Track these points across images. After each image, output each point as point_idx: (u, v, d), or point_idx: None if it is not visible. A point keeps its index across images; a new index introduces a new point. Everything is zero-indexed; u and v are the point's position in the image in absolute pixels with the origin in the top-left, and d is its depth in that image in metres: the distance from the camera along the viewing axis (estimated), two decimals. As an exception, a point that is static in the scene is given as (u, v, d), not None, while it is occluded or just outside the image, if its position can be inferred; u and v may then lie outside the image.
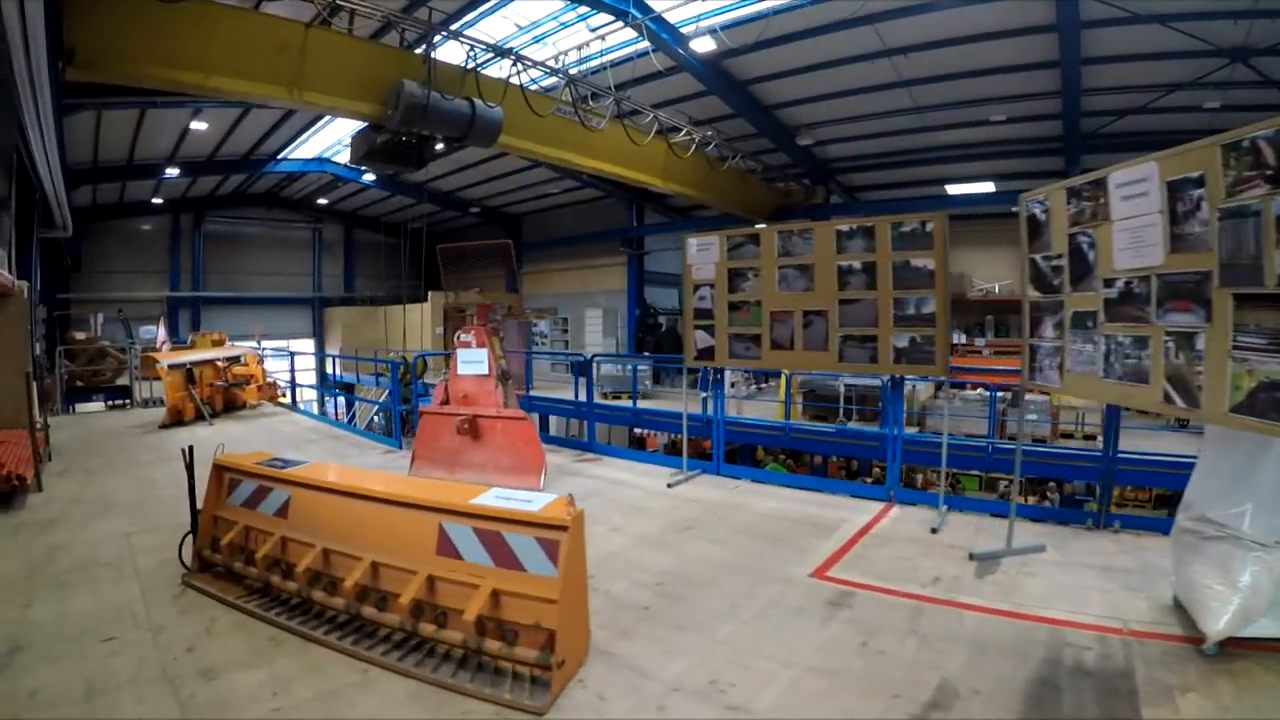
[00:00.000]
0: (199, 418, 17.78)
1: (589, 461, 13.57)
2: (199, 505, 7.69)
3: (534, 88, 16.66)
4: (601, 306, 32.73)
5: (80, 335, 28.38)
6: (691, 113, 21.06)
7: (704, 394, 18.32)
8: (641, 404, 19.95)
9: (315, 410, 27.49)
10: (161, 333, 19.12)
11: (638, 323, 32.38)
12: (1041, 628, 6.03)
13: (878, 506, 10.03)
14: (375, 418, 31.48)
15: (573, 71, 17.46)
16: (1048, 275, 7.48)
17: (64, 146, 16.93)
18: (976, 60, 17.80)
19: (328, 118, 25.85)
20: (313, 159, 31.52)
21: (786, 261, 10.50)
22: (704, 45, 18.00)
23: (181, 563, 7.55)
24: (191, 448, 7.74)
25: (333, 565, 6.32)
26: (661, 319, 33.11)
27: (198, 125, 25.00)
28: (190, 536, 7.65)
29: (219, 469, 7.72)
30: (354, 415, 30.18)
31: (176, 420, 17.39)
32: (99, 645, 5.90)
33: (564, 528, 5.10)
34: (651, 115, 19.36)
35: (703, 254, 11.42)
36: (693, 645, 5.80)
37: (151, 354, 19.18)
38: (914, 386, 18.03)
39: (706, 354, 11.64)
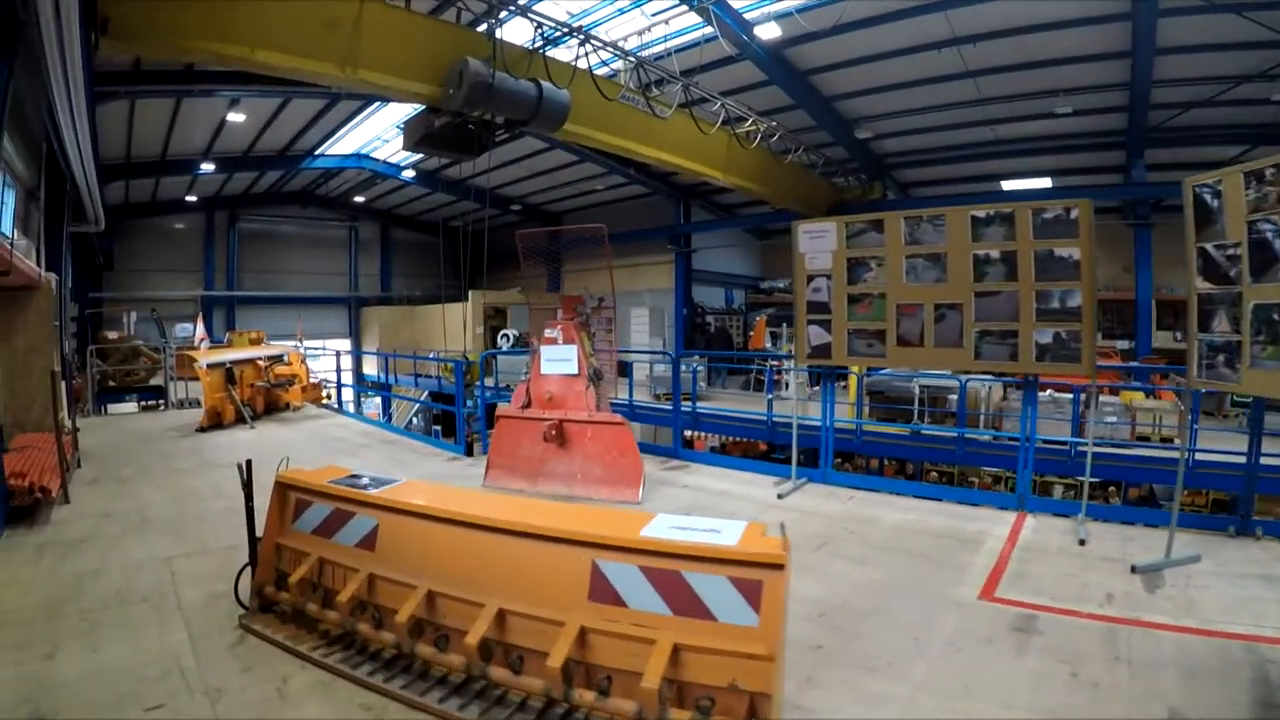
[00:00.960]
0: (239, 420, 16.41)
1: (677, 469, 12.04)
2: (258, 531, 6.35)
3: (598, 73, 15.47)
4: (647, 305, 31.30)
5: (112, 334, 27.12)
6: (751, 103, 20.02)
7: (769, 395, 17.90)
8: (699, 405, 19.01)
9: (353, 410, 25.98)
10: (199, 330, 17.71)
11: (686, 322, 30.90)
12: (1234, 645, 5.49)
13: (1010, 516, 9.10)
14: (414, 419, 30.27)
15: (611, 68, 16.49)
16: (1221, 265, 6.83)
17: (96, 133, 15.72)
18: (1045, 50, 17.08)
19: (367, 112, 25.11)
20: (350, 155, 30.33)
21: (916, 250, 9.53)
22: (769, 32, 17.19)
23: (238, 600, 6.13)
24: (249, 462, 6.38)
25: (442, 612, 4.92)
26: (709, 318, 31.99)
27: (235, 117, 23.79)
28: (249, 569, 6.24)
29: (283, 487, 6.38)
30: (391, 415, 28.83)
31: (215, 423, 16.04)
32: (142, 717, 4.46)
33: (775, 565, 3.97)
34: (719, 103, 18.23)
35: (816, 242, 10.32)
36: (892, 692, 4.87)
37: (189, 353, 17.75)
38: (989, 389, 17.37)
39: (822, 351, 10.48)
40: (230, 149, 27.79)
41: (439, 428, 30.53)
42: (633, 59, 16.07)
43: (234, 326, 33.78)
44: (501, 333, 28.27)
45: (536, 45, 13.75)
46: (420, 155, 28.92)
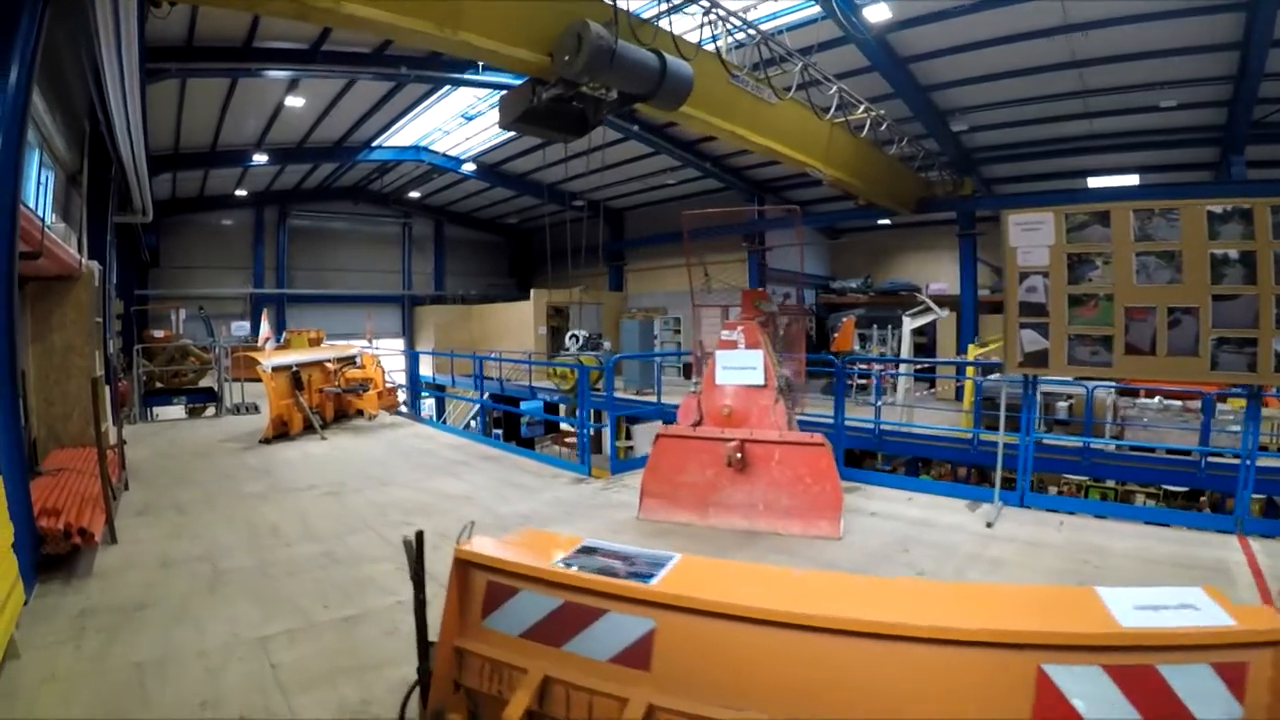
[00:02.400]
0: (308, 429, 14.16)
1: (850, 492, 9.67)
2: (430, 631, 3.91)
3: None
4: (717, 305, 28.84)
5: (159, 333, 24.95)
6: (850, 90, 17.93)
7: (878, 401, 16.69)
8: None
9: (431, 416, 23.62)
10: (265, 328, 15.31)
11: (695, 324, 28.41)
12: None
13: (1231, 540, 7.84)
14: (473, 421, 28.22)
15: (741, 36, 14.72)
16: None
17: (146, 113, 13.83)
18: (1155, 40, 15.79)
19: (428, 102, 23.40)
20: (409, 147, 28.21)
21: (1147, 247, 8.37)
22: (878, 14, 15.93)
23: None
24: (420, 536, 4.00)
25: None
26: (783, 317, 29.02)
27: (293, 101, 21.66)
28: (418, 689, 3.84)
29: (468, 566, 3.88)
30: (446, 417, 26.67)
31: (281, 433, 13.80)
32: None
33: (1268, 643, 2.63)
34: (834, 88, 16.49)
35: (1030, 234, 8.92)
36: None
37: (252, 353, 15.33)
38: (1111, 396, 15.73)
39: (1037, 359, 9.05)
40: (284, 140, 25.77)
41: (500, 431, 28.36)
42: (757, 32, 14.39)
43: (284, 325, 31.70)
44: (570, 333, 25.87)
45: (658, 9, 11.89)
46: (482, 147, 26.99)
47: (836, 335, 24.88)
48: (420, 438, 14.47)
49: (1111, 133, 20.60)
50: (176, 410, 20.01)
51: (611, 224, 34.40)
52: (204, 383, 21.89)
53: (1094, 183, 22.87)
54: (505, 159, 28.75)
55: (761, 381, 8.75)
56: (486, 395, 25.01)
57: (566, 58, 10.19)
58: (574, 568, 3.56)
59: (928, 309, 21.62)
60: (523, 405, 26.17)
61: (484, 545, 3.91)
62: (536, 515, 8.99)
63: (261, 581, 6.62)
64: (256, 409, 17.68)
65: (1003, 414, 9.56)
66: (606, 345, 25.74)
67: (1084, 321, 8.69)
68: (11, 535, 5.48)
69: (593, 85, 10.63)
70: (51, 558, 6.74)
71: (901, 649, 2.89)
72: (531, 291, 30.85)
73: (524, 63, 10.73)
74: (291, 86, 20.63)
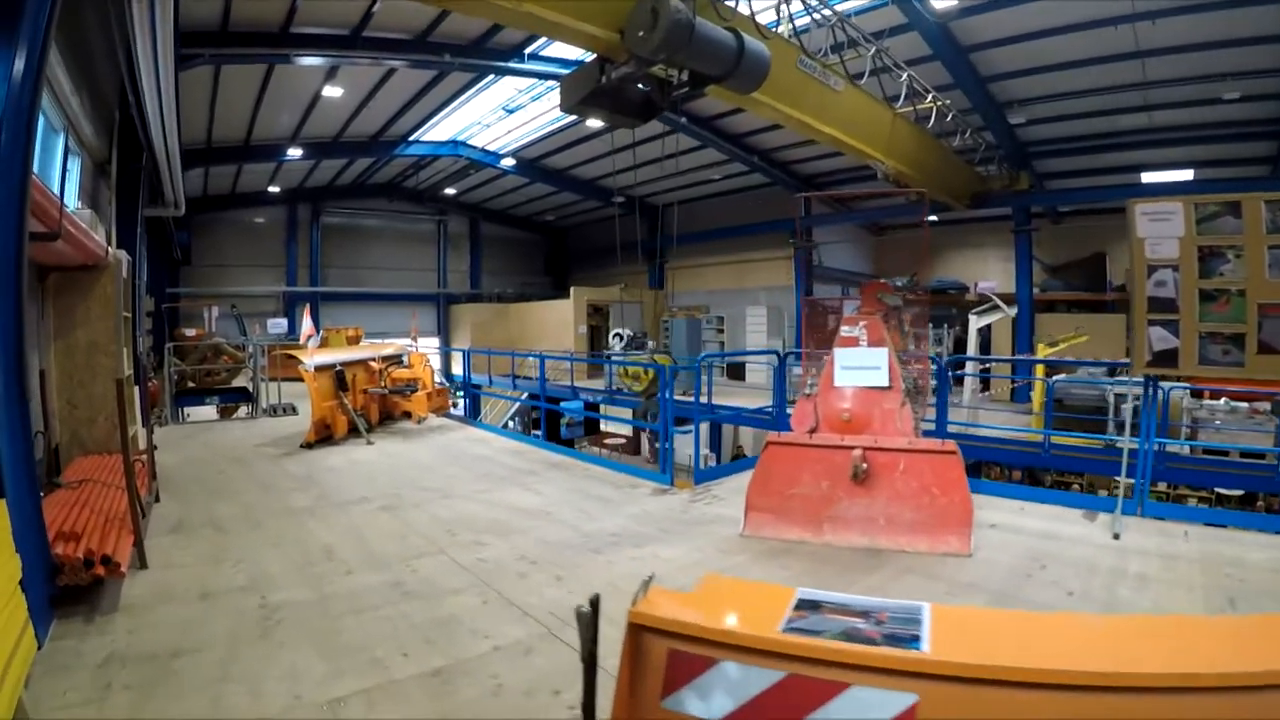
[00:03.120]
0: (352, 432, 12.96)
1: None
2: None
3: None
4: (764, 304, 27.73)
5: (190, 332, 23.95)
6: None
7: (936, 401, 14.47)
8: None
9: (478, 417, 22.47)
10: (307, 324, 14.05)
11: (807, 321, 27.13)
12: None
13: None
14: (511, 421, 27.16)
15: (801, 21, 13.50)
16: None
17: (179, 99, 12.84)
18: (1222, 30, 14.98)
19: (467, 95, 22.23)
20: (445, 142, 27.04)
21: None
22: (943, 0, 15.01)
23: None
24: (595, 602, 2.51)
25: None
26: (831, 318, 27.72)
27: (331, 92, 20.46)
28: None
29: (641, 631, 2.69)
30: (483, 416, 25.58)
31: (324, 437, 12.63)
32: None
33: None
34: (904, 76, 15.78)
35: (1158, 225, 8.19)
36: None
37: (293, 351, 14.16)
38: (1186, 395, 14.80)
39: (1166, 359, 8.27)
40: (320, 134, 24.65)
41: (539, 432, 27.25)
42: (833, 14, 13.64)
43: (317, 324, 30.35)
44: (613, 332, 24.66)
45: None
46: (521, 141, 25.83)
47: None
48: (474, 442, 13.31)
49: (1169, 126, 19.73)
50: (208, 410, 19.00)
51: (652, 221, 33.16)
52: (237, 382, 20.87)
53: (1148, 178, 21.94)
54: (544, 154, 27.65)
55: (886, 383, 7.80)
56: (525, 395, 23.97)
57: (640, 34, 9.32)
58: (797, 628, 2.36)
59: (995, 307, 20.45)
60: (563, 405, 25.13)
61: (664, 604, 2.74)
62: (628, 533, 7.90)
63: (322, 621, 5.46)
64: (294, 410, 16.56)
65: (1128, 419, 8.92)
66: (651, 345, 24.50)
67: (1216, 318, 7.96)
68: (19, 570, 4.39)
69: (665, 65, 9.89)
70: (70, 589, 5.57)
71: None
72: (571, 290, 29.79)
73: (592, 38, 9.83)
74: (329, 76, 19.51)
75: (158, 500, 8.87)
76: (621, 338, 24.14)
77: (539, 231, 39.47)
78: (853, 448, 7.49)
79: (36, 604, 4.65)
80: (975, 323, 20.55)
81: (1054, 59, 16.93)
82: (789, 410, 12.77)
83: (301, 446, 12.28)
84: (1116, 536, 7.54)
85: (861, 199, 28.21)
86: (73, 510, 6.59)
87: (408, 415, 14.86)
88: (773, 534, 7.60)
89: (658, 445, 25.76)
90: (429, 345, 32.35)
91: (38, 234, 6.09)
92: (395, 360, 14.60)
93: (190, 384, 20.65)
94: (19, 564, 4.34)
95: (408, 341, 18.02)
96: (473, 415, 25.58)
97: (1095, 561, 6.81)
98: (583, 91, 10.34)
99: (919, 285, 28.12)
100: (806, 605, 2.85)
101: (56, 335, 9.44)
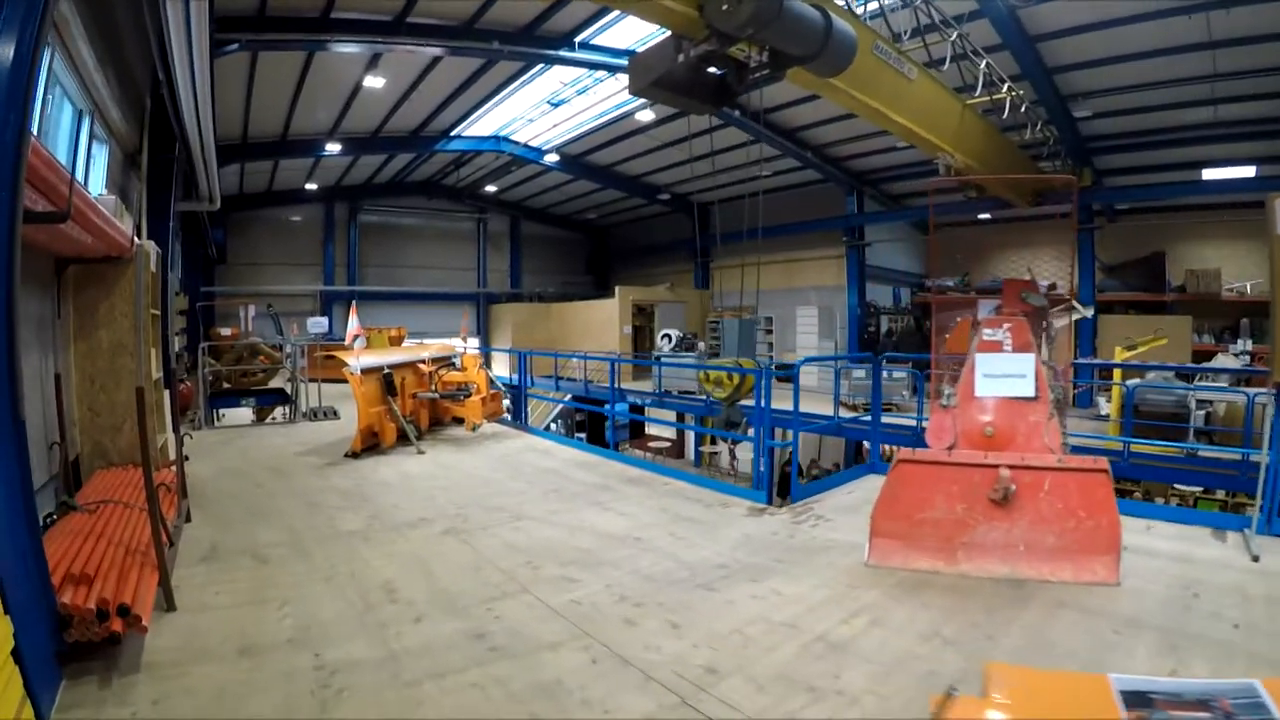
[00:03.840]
0: (401, 440, 11.74)
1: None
2: None
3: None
4: (814, 304, 26.44)
5: (226, 331, 22.88)
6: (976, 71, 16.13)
7: None
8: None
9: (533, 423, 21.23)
10: (354, 323, 12.81)
11: (859, 322, 26.44)
12: None
13: None
14: (553, 423, 26.11)
15: (874, 4, 13.05)
16: None
17: (214, 86, 11.86)
18: None
19: (511, 88, 21.03)
20: (488, 137, 25.81)
21: None
22: None
23: None
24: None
25: None
26: (883, 318, 27.42)
27: (372, 82, 19.26)
28: None
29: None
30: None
31: (370, 445, 11.40)
32: None
33: None
34: (984, 63, 14.73)
35: None
36: None
37: (336, 352, 12.93)
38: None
39: None
40: (359, 128, 23.56)
41: (583, 435, 26.20)
42: None
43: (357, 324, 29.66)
44: (662, 333, 23.59)
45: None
46: (566, 137, 24.71)
47: (949, 336, 22.18)
48: (536, 452, 12.05)
49: (1233, 121, 18.50)
50: (244, 413, 17.92)
51: (696, 218, 31.77)
52: (274, 383, 19.79)
53: (1208, 174, 20.80)
54: (588, 150, 26.45)
55: (1032, 393, 6.86)
56: (569, 396, 22.82)
57: (725, 7, 8.42)
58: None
59: (1071, 307, 19.05)
60: (607, 408, 24.03)
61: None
62: (736, 564, 6.70)
63: (394, 690, 4.29)
64: (335, 414, 15.42)
65: (1266, 431, 7.74)
66: (701, 346, 23.34)
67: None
68: (11, 637, 3.34)
69: (748, 43, 9.04)
70: (82, 644, 4.42)
71: None
72: (616, 289, 28.49)
73: (669, 12, 8.92)
74: (371, 65, 18.35)
75: (188, 520, 7.73)
76: (670, 338, 23.07)
77: (579, 230, 38.31)
78: (997, 466, 6.49)
79: (38, 666, 3.67)
80: (1053, 324, 19.13)
81: (1122, 50, 15.96)
82: (883, 419, 11.58)
83: (346, 456, 11.12)
84: (1256, 559, 6.69)
85: (908, 198, 27.17)
86: (86, 542, 5.42)
87: (458, 421, 13.67)
88: (900, 563, 6.61)
89: (708, 451, 24.85)
90: (470, 345, 31.29)
91: (42, 213, 4.90)
92: (446, 362, 13.39)
93: (226, 385, 19.58)
94: (10, 629, 3.30)
95: (453, 341, 16.75)
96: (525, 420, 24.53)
97: (1246, 588, 6.01)
98: (655, 73, 9.36)
99: (970, 285, 26.96)
100: (1136, 701, 2.62)
101: (78, 335, 8.31)
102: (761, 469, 9.44)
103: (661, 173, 28.23)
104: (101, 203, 7.92)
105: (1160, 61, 16.06)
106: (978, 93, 14.94)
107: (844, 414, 17.15)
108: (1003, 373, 6.87)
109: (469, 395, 12.77)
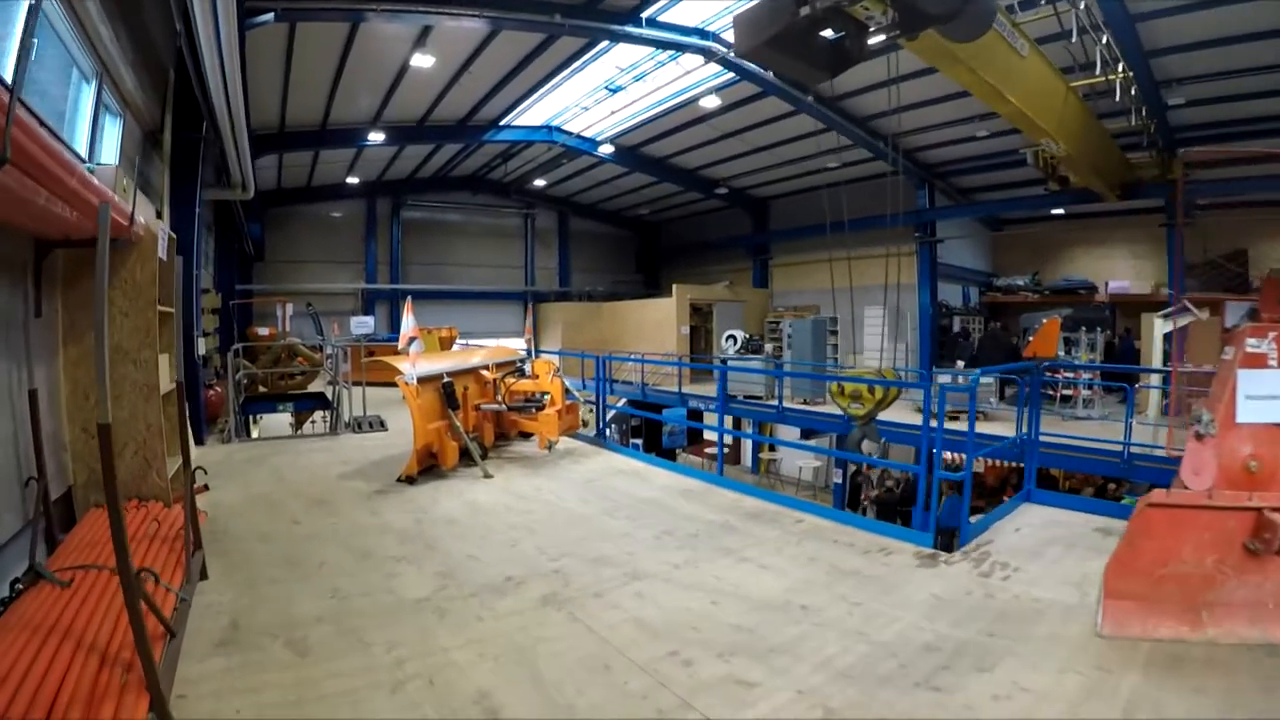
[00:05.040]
0: (464, 460, 9.70)
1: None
2: None
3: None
4: (882, 304, 24.33)
5: (264, 330, 21.10)
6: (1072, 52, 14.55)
7: (1131, 419, 12.10)
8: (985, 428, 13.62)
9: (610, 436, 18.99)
10: (409, 323, 10.59)
11: (932, 323, 24.42)
12: None
13: None
14: (607, 429, 24.47)
15: None
16: None
17: (245, 56, 10.42)
18: None
19: (563, 75, 19.28)
20: (539, 127, 23.93)
21: None
22: None
23: None
24: None
25: None
26: (955, 319, 25.31)
27: (420, 61, 17.25)
28: None
29: None
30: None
31: (428, 467, 9.30)
32: None
33: None
34: (1105, 39, 13.48)
35: None
36: None
37: (388, 359, 10.80)
38: None
39: None
40: (403, 116, 21.68)
41: (639, 441, 24.54)
42: None
43: (399, 324, 27.68)
44: (726, 334, 21.57)
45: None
46: (621, 127, 22.89)
47: (1033, 338, 19.99)
48: (625, 475, 9.90)
49: None
50: (282, 419, 16.09)
51: (755, 214, 30.08)
52: (314, 387, 17.94)
53: None
54: (643, 141, 24.50)
55: None
56: (623, 401, 20.88)
57: None
58: None
59: (1184, 309, 16.95)
60: (665, 413, 22.06)
61: None
62: (945, 642, 4.87)
63: None
64: (382, 425, 13.45)
65: None
66: (768, 349, 21.33)
67: None
68: None
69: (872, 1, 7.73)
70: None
71: None
72: (674, 288, 26.52)
73: None
74: (419, 41, 16.44)
75: (204, 577, 5.75)
76: (735, 340, 21.10)
77: (629, 227, 36.46)
78: (1262, 509, 4.98)
79: None
80: (1161, 327, 16.99)
81: (1220, 32, 14.43)
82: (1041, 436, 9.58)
83: (400, 480, 9.09)
84: None
85: (978, 191, 25.42)
86: (46, 645, 3.50)
87: (525, 436, 11.65)
88: (1140, 630, 5.08)
89: (766, 458, 22.85)
90: (516, 346, 29.59)
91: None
92: (513, 368, 11.34)
93: (261, 388, 17.73)
94: None
95: (509, 343, 14.58)
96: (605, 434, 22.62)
97: None
98: (770, 30, 7.70)
99: (1041, 285, 24.71)
100: None
101: (68, 338, 6.38)
102: (934, 507, 7.38)
103: (720, 165, 26.29)
104: (99, 174, 6.02)
105: (1260, 45, 14.55)
106: (1078, 75, 13.80)
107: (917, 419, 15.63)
108: (1271, 394, 5.25)
109: (542, 407, 10.76)
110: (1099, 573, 5.20)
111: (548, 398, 10.67)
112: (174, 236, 7.53)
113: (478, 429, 10.29)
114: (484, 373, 10.82)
